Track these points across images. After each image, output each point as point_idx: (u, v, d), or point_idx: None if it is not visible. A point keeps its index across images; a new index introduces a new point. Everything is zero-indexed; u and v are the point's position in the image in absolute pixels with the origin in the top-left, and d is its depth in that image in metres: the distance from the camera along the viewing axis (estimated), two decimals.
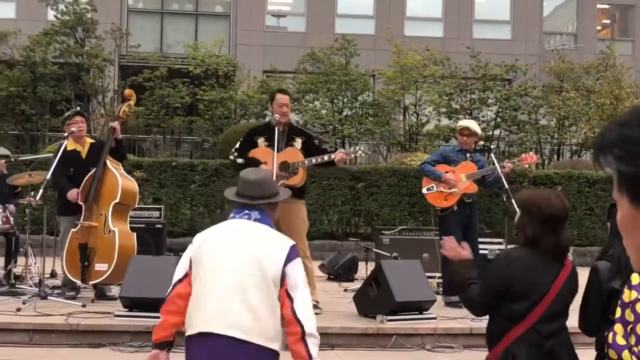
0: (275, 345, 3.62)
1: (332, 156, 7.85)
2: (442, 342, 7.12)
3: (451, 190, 8.84)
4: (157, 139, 21.79)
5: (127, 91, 9.22)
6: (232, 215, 3.84)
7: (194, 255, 3.75)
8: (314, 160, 8.06)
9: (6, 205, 9.35)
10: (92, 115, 19.58)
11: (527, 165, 9.41)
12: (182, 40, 22.95)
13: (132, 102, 9.08)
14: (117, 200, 8.32)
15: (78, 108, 18.73)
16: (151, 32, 25.06)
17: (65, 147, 8.58)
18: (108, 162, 8.47)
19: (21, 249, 9.65)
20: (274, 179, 7.57)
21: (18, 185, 9.73)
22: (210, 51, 21.52)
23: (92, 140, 8.92)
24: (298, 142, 8.13)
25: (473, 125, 9.38)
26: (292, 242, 3.77)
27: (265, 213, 3.82)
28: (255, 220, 3.76)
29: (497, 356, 3.66)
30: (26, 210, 8.81)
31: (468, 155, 9.12)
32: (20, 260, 9.61)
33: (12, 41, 19.83)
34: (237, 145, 8.24)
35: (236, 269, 3.62)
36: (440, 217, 9.04)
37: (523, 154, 9.30)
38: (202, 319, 3.62)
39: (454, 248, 4.03)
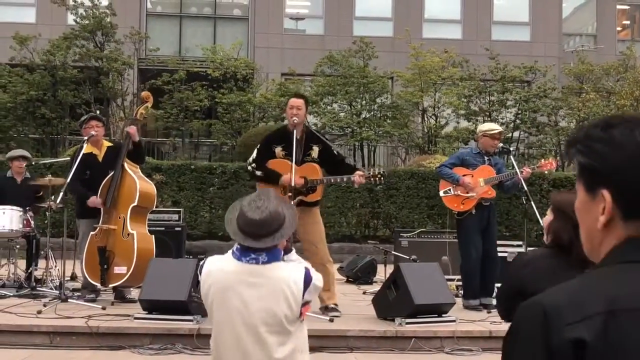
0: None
1: (352, 178, 7.83)
2: (461, 344, 7.08)
3: (469, 195, 8.72)
4: (176, 142, 21.88)
5: (144, 93, 9.29)
6: (237, 254, 3.66)
7: (204, 296, 3.72)
8: (332, 180, 8.12)
9: (27, 207, 9.42)
10: (111, 118, 19.71)
11: (546, 171, 9.32)
12: (200, 44, 23.03)
13: (149, 105, 9.13)
14: (135, 203, 8.36)
15: (98, 112, 18.89)
16: (170, 36, 25.18)
17: (83, 151, 8.66)
18: (126, 165, 8.50)
19: (42, 252, 9.73)
20: (292, 190, 7.59)
21: (39, 184, 9.80)
22: (228, 54, 21.59)
23: (110, 144, 8.96)
24: (315, 151, 8.02)
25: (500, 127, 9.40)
26: (303, 269, 3.70)
27: (272, 250, 3.66)
28: (264, 263, 3.61)
29: None
30: (47, 213, 8.88)
31: (487, 158, 9.00)
32: (41, 263, 9.69)
33: (32, 45, 19.99)
34: (255, 155, 8.08)
35: (254, 324, 3.57)
36: (458, 221, 8.91)
37: (542, 160, 9.20)
38: None
39: None
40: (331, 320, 7.34)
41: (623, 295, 1.39)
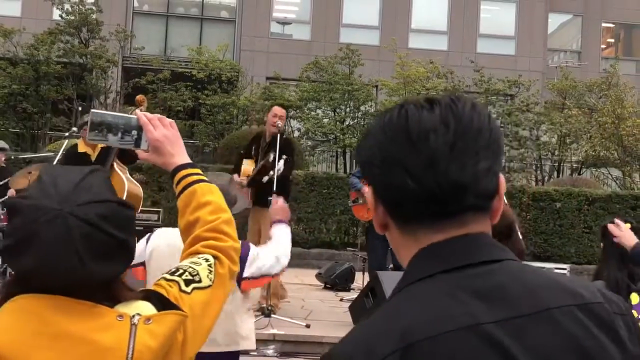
0: (227, 347, 3.73)
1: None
2: None
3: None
4: None
5: (139, 97, 9.21)
6: None
7: (148, 253, 3.83)
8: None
9: (2, 199, 9.30)
10: None
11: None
12: (186, 44, 22.96)
13: (143, 109, 9.07)
14: None
15: (80, 109, 18.70)
16: (156, 35, 25.09)
17: (77, 149, 8.62)
18: (115, 165, 8.45)
19: None
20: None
21: (18, 187, 9.65)
22: (214, 56, 21.54)
23: (103, 145, 8.87)
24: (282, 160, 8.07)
25: None
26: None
27: None
28: None
29: None
30: None
31: None
32: None
33: (16, 39, 19.84)
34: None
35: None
36: (366, 230, 9.05)
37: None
38: None
39: None
40: (307, 326, 7.31)
41: (416, 323, 1.17)
